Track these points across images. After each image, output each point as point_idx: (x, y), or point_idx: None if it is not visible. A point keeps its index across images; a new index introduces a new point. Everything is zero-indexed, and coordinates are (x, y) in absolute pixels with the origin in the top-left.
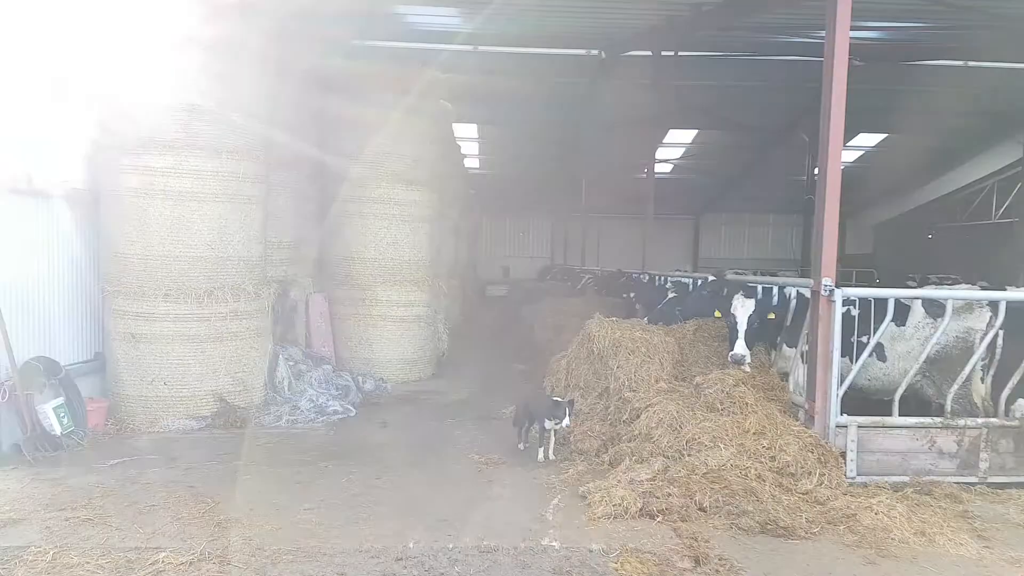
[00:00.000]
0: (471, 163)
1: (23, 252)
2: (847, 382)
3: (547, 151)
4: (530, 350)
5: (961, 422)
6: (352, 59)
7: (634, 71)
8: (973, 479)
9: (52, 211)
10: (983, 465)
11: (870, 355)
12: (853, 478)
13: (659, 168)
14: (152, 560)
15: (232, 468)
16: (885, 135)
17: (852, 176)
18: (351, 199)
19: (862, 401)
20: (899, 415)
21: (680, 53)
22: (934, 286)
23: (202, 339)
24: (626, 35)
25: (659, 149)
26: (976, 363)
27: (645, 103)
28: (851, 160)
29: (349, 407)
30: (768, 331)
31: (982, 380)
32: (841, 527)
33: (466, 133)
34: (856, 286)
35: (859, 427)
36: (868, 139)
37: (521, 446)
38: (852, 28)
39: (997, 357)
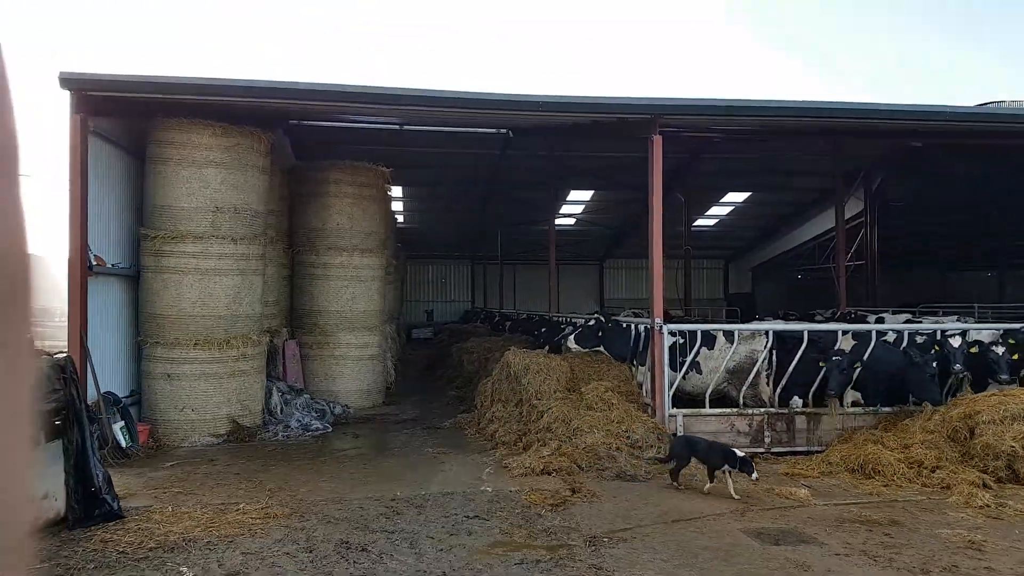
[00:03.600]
0: (398, 217)
1: (91, 316)
2: (674, 387)
3: (466, 207)
4: (461, 380)
5: (750, 411)
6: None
7: (534, 144)
8: (761, 449)
9: (109, 286)
10: (767, 440)
11: (689, 369)
12: None
13: (565, 221)
14: (237, 509)
15: (259, 464)
16: (750, 192)
17: (729, 226)
18: (318, 265)
19: (690, 400)
20: (709, 407)
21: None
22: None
23: (220, 376)
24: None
25: (564, 205)
26: (760, 371)
27: (545, 169)
28: (724, 214)
29: (327, 425)
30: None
31: (767, 383)
32: (666, 476)
33: (394, 193)
34: (726, 321)
35: (684, 416)
36: (736, 196)
37: (676, 485)
38: None
39: (774, 368)
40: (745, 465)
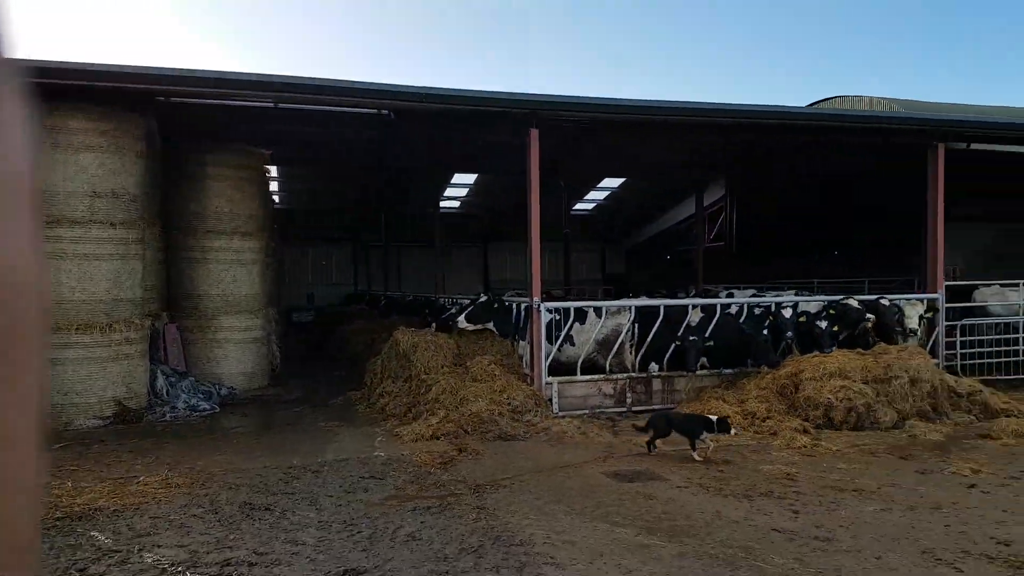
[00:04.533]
0: (277, 198)
1: None
2: (550, 358)
3: (347, 189)
4: (347, 360)
5: (615, 376)
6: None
7: (417, 127)
8: (623, 409)
9: None
10: (628, 400)
11: (564, 342)
12: (557, 413)
13: (450, 204)
14: (138, 481)
15: (152, 443)
16: (624, 179)
17: (606, 211)
18: (198, 248)
19: (565, 369)
20: (581, 375)
21: None
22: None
23: (104, 360)
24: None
25: (448, 189)
26: (624, 342)
27: (429, 153)
28: (602, 199)
29: (215, 406)
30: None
31: (630, 352)
32: (541, 434)
33: (274, 173)
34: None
35: (559, 383)
36: (612, 182)
37: (650, 452)
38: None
39: (636, 338)
40: (722, 426)
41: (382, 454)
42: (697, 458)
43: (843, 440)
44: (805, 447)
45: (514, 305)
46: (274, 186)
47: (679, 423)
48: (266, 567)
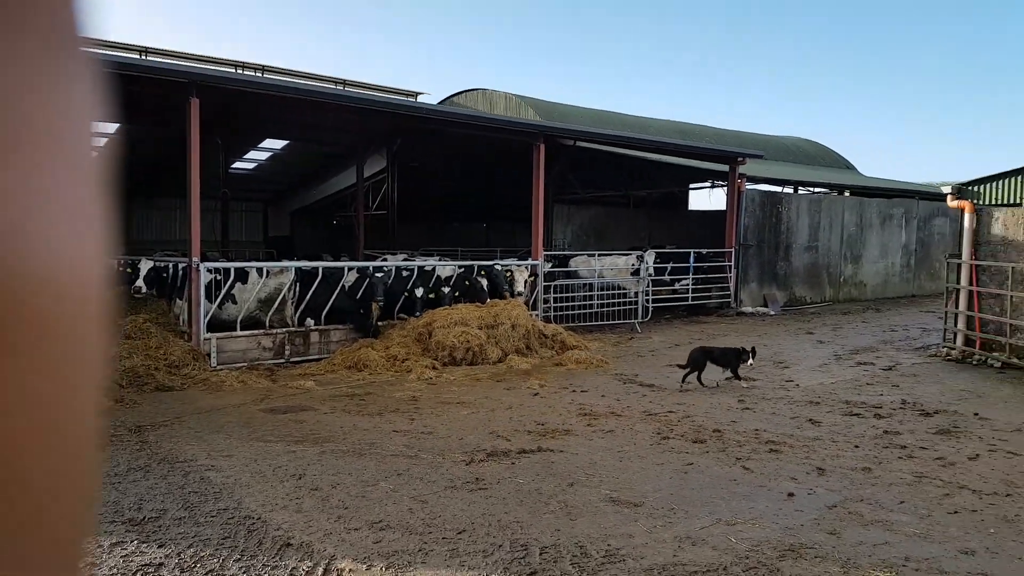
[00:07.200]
0: None
1: None
2: (209, 315)
3: None
4: None
5: (275, 330)
6: None
7: None
8: (282, 360)
9: None
10: (287, 352)
11: (225, 300)
12: (215, 366)
13: None
14: None
15: None
16: (288, 141)
17: (268, 171)
18: None
19: (228, 325)
20: (241, 330)
21: None
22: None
23: None
24: None
25: None
26: (286, 299)
27: None
28: (263, 159)
29: None
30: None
31: (291, 308)
32: (200, 385)
33: None
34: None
35: (217, 338)
36: (274, 143)
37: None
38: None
39: (296, 296)
40: (753, 354)
41: None
42: (743, 385)
43: (461, 372)
44: (431, 379)
45: (170, 266)
46: None
47: (717, 356)
48: None
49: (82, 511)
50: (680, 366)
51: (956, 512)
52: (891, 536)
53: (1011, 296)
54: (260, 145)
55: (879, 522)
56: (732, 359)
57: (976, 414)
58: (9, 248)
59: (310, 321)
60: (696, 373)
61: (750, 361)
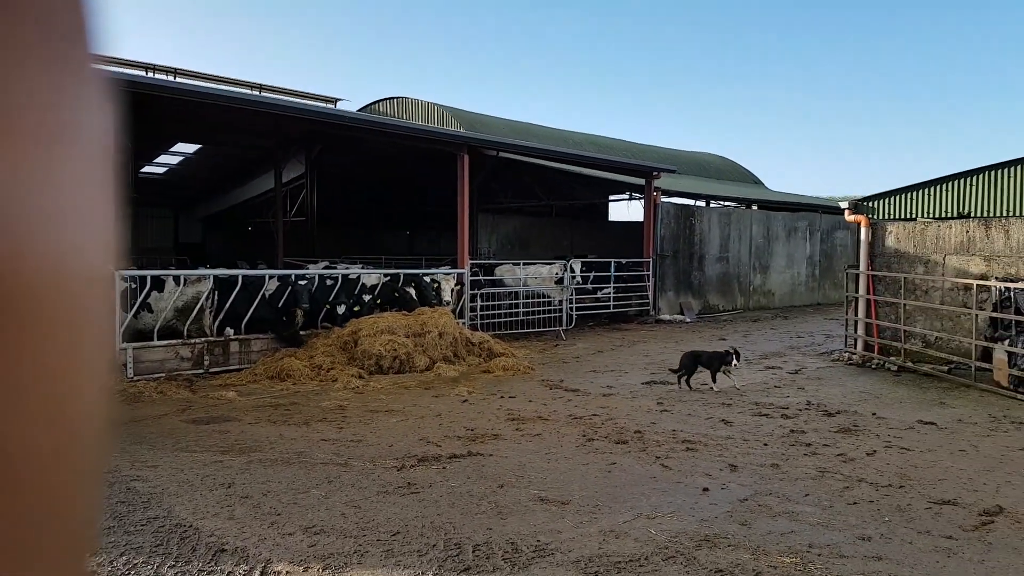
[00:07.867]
0: None
1: None
2: (124, 325)
3: None
4: None
5: (193, 340)
6: None
7: None
8: (201, 370)
9: None
10: (206, 362)
11: (141, 310)
12: (132, 377)
13: None
14: None
15: None
16: (200, 145)
17: (179, 176)
18: None
19: (144, 335)
20: (158, 340)
21: None
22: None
23: None
24: None
25: None
26: (204, 308)
27: None
28: (175, 163)
29: None
30: None
31: (210, 317)
32: (116, 396)
33: None
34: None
35: (134, 348)
36: (186, 147)
37: (686, 388)
38: None
39: (215, 305)
40: (736, 356)
41: None
42: (736, 385)
43: (388, 380)
44: (358, 388)
45: None
46: None
47: (705, 360)
48: None
49: (86, 513)
50: (673, 370)
51: (855, 503)
52: (796, 525)
53: (904, 304)
54: (171, 149)
55: (786, 513)
56: (716, 362)
57: (874, 414)
58: (13, 248)
59: (230, 331)
60: (686, 376)
61: (735, 362)
